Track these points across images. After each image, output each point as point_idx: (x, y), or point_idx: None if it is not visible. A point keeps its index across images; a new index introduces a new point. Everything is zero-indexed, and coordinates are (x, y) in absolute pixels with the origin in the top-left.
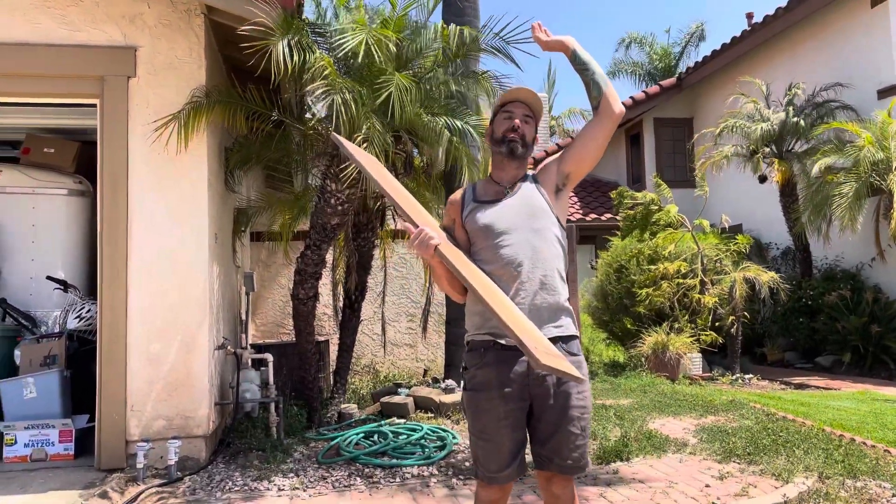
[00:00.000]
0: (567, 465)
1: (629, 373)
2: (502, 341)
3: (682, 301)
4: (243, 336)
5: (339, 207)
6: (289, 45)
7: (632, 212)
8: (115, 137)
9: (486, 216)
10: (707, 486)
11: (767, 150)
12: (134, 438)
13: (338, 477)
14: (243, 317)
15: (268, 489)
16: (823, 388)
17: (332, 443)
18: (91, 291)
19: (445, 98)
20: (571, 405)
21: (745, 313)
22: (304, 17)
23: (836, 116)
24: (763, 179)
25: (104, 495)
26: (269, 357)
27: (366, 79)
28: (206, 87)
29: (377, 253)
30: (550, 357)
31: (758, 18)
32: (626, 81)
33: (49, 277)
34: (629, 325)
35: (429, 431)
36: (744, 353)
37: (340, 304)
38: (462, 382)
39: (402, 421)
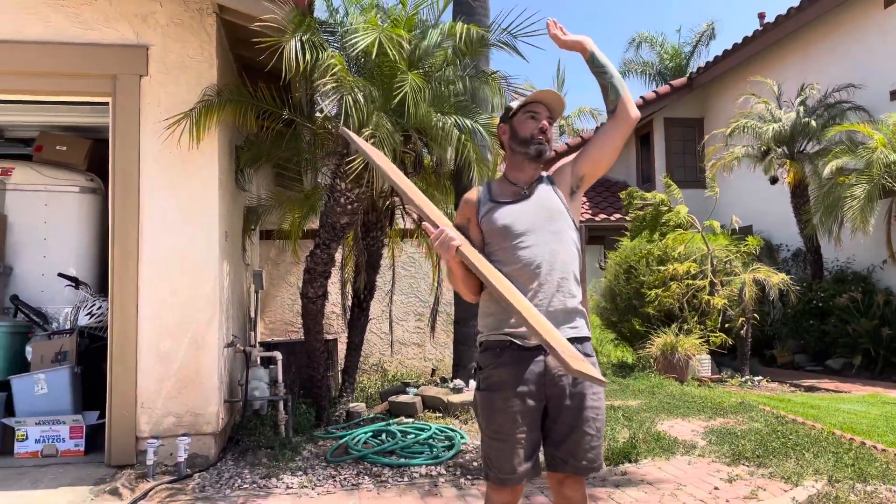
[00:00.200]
0: (582, 466)
1: (638, 374)
2: (519, 342)
3: (692, 302)
4: (252, 334)
5: (349, 206)
6: (301, 43)
7: (641, 212)
8: (127, 135)
9: (505, 217)
10: (716, 488)
11: (780, 150)
12: (144, 435)
13: (346, 475)
14: (252, 315)
15: (276, 487)
16: (833, 390)
17: (341, 441)
18: (102, 288)
19: (455, 96)
20: (587, 406)
21: (755, 315)
22: (314, 15)
23: (847, 117)
24: (774, 180)
25: (115, 491)
26: (278, 355)
27: (376, 78)
28: (218, 85)
29: (386, 252)
30: (577, 361)
31: (769, 18)
32: (637, 81)
33: (60, 274)
34: (638, 326)
35: (437, 431)
36: (753, 355)
37: (349, 302)
38: (475, 383)
39: (411, 420)
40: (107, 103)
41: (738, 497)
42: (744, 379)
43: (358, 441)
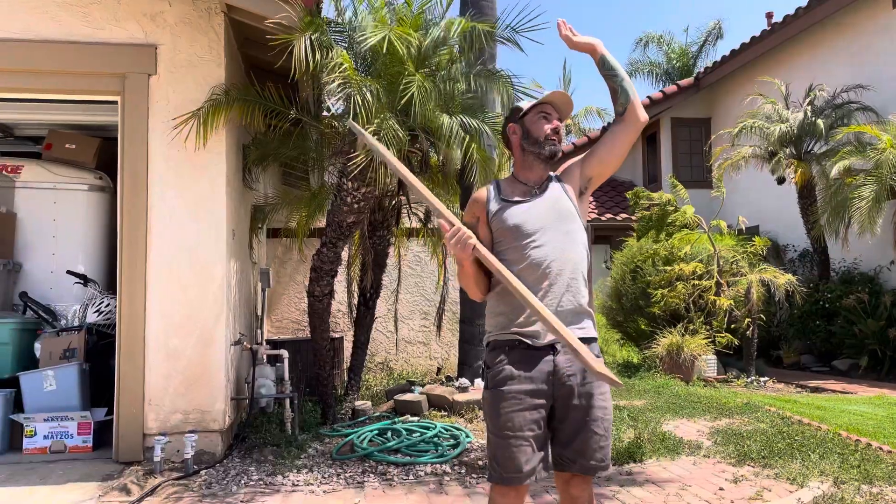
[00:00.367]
0: (590, 465)
1: (643, 374)
2: (529, 341)
3: (698, 302)
4: (259, 332)
5: (356, 206)
6: (310, 42)
7: (648, 212)
8: (136, 134)
9: (516, 216)
10: (721, 489)
11: (787, 150)
12: (151, 432)
13: (352, 473)
14: (259, 313)
15: (282, 484)
16: (840, 391)
17: (347, 439)
18: (110, 286)
19: (462, 95)
20: (595, 405)
21: (762, 315)
22: (322, 15)
23: (855, 118)
24: (781, 181)
25: (123, 487)
26: (285, 353)
27: (383, 77)
28: (226, 84)
29: (392, 251)
30: (598, 362)
31: (777, 18)
32: (644, 81)
33: (69, 272)
34: (643, 326)
35: (442, 429)
36: (759, 355)
37: (355, 301)
38: (483, 381)
39: (416, 419)
40: (116, 102)
41: (743, 498)
42: (749, 379)
43: (364, 439)
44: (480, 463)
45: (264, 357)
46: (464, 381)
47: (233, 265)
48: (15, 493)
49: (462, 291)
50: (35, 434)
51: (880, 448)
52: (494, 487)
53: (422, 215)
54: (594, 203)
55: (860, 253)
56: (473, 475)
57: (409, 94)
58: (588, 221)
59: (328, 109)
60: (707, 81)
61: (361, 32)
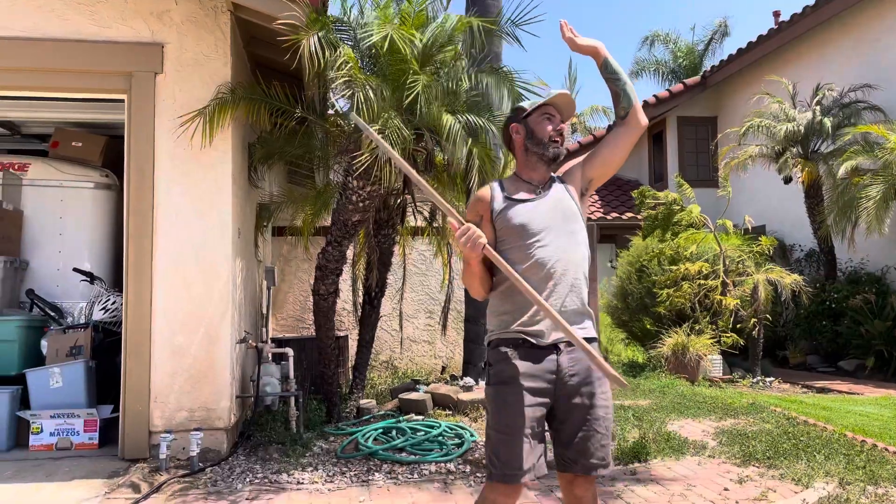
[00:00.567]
0: (592, 465)
1: (648, 373)
2: (533, 340)
3: (703, 302)
4: (264, 330)
5: (361, 204)
6: (318, 40)
7: (653, 211)
8: (142, 132)
9: (520, 216)
10: (726, 489)
11: (794, 150)
12: (157, 429)
13: (356, 472)
14: (264, 311)
15: (287, 482)
16: (846, 392)
17: (351, 438)
18: (116, 283)
19: (467, 93)
20: (597, 405)
21: (768, 315)
22: (328, 14)
23: (863, 117)
24: (788, 180)
25: (129, 484)
26: (290, 351)
27: (388, 76)
28: (232, 83)
29: (397, 249)
30: (605, 363)
31: (785, 17)
32: (650, 80)
33: (76, 269)
34: (649, 326)
35: (447, 428)
36: (765, 355)
37: (360, 299)
38: (486, 378)
39: (420, 417)
40: (122, 100)
41: (748, 498)
42: (755, 379)
43: (368, 437)
44: (485, 462)
45: (269, 355)
46: (468, 380)
47: (238, 263)
48: (21, 490)
49: (466, 290)
50: (41, 431)
51: (886, 449)
52: (494, 486)
53: (427, 214)
54: (600, 202)
55: (867, 253)
56: (478, 474)
57: (415, 93)
58: (594, 220)
59: (332, 105)
60: (714, 80)
61: (365, 30)
